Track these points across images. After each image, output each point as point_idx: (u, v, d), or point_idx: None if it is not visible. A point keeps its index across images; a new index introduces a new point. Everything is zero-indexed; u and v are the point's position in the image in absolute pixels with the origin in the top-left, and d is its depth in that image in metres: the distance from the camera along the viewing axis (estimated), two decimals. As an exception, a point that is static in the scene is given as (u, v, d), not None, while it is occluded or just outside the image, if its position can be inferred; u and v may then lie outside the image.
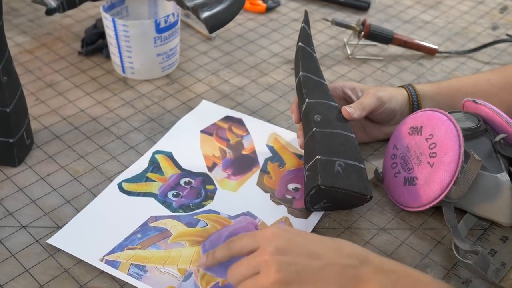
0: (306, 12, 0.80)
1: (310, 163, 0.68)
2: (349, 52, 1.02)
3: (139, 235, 0.67)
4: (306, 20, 0.78)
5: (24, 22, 1.08)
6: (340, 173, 0.66)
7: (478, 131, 0.70)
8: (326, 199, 0.67)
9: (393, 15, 1.16)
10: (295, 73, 0.77)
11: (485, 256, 0.62)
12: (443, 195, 0.65)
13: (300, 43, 0.77)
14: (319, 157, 0.66)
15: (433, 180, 0.65)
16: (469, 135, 0.68)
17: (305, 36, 0.78)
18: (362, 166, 0.67)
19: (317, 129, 0.69)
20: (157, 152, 0.79)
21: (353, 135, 0.70)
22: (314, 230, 0.69)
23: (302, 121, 0.74)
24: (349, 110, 0.72)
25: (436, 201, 0.66)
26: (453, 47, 1.05)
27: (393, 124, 0.78)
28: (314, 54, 0.77)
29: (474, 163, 0.64)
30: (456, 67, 1.00)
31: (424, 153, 0.67)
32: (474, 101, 0.73)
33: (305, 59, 0.76)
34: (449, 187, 0.64)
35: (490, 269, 0.64)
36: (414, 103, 0.78)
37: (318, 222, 0.70)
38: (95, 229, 0.68)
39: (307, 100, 0.72)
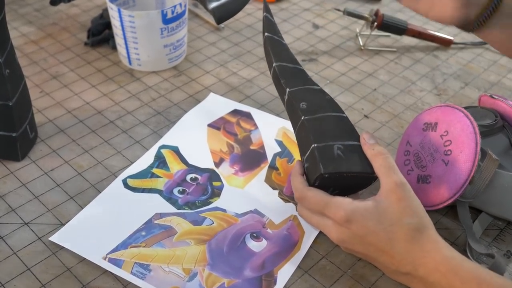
0: (265, 1, 0.76)
1: (307, 154, 0.64)
2: (361, 43, 0.99)
3: (143, 233, 0.66)
4: (267, 9, 0.74)
5: (29, 11, 1.06)
6: (341, 156, 0.62)
7: (495, 128, 0.67)
8: (333, 186, 0.63)
9: (407, 4, 1.12)
10: (269, 66, 0.73)
11: (501, 261, 0.59)
12: (457, 195, 0.62)
13: (266, 33, 0.73)
14: (315, 145, 0.62)
15: (448, 179, 0.63)
16: (485, 132, 0.66)
17: (269, 25, 0.73)
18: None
19: (305, 117, 0.65)
20: (163, 146, 0.77)
21: (345, 115, 0.66)
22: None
23: (288, 113, 0.70)
24: None
25: (450, 201, 0.63)
26: (469, 38, 1.01)
27: None
28: (284, 42, 0.73)
29: (491, 162, 0.62)
30: (472, 58, 0.97)
31: (439, 151, 0.64)
32: (491, 96, 0.70)
33: (275, 48, 0.72)
34: (464, 186, 0.62)
35: (506, 272, 0.62)
36: None
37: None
38: (99, 226, 0.66)
39: (287, 90, 0.68)
